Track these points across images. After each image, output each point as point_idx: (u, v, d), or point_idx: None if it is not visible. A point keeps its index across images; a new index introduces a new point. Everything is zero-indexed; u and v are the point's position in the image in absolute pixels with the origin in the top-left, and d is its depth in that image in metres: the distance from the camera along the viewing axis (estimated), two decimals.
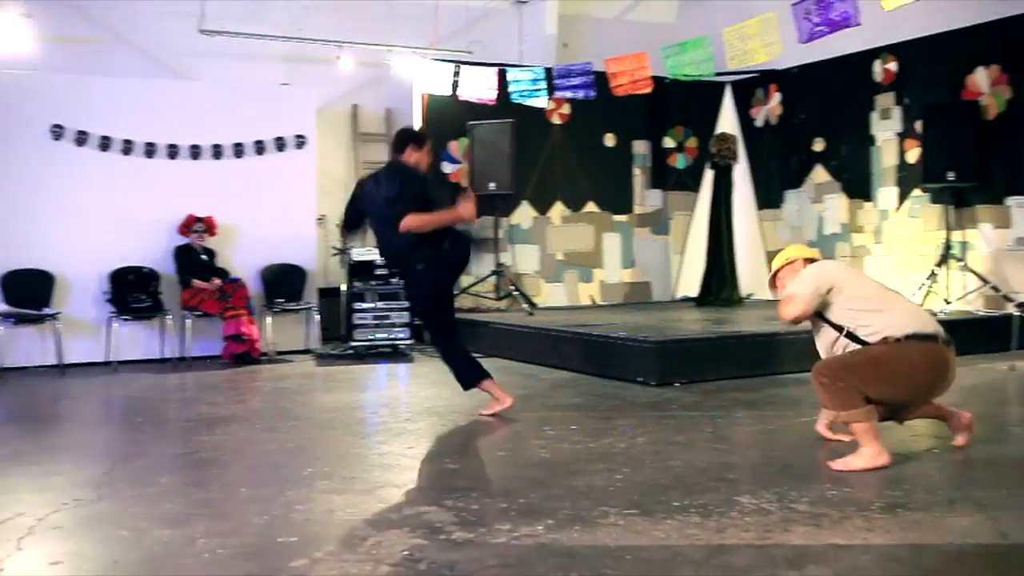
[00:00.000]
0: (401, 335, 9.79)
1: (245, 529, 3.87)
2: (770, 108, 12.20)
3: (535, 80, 10.60)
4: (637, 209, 12.45)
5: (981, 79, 9.71)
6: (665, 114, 12.43)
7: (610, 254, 12.27)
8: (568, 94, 10.61)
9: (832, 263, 5.63)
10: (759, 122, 12.37)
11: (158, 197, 9.59)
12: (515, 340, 9.27)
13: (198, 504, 4.28)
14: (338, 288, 10.56)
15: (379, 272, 9.86)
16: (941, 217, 9.73)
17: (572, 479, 4.59)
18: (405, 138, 6.33)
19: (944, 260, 9.56)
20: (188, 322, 9.38)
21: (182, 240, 9.52)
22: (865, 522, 3.82)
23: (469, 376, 6.29)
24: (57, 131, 9.33)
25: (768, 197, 12.28)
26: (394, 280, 9.69)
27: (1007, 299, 9.27)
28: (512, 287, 10.77)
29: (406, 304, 9.63)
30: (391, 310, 9.83)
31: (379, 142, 11.88)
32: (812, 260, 5.23)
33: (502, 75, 10.66)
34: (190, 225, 9.52)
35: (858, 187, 11.08)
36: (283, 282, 10.10)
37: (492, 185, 10.74)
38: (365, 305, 9.84)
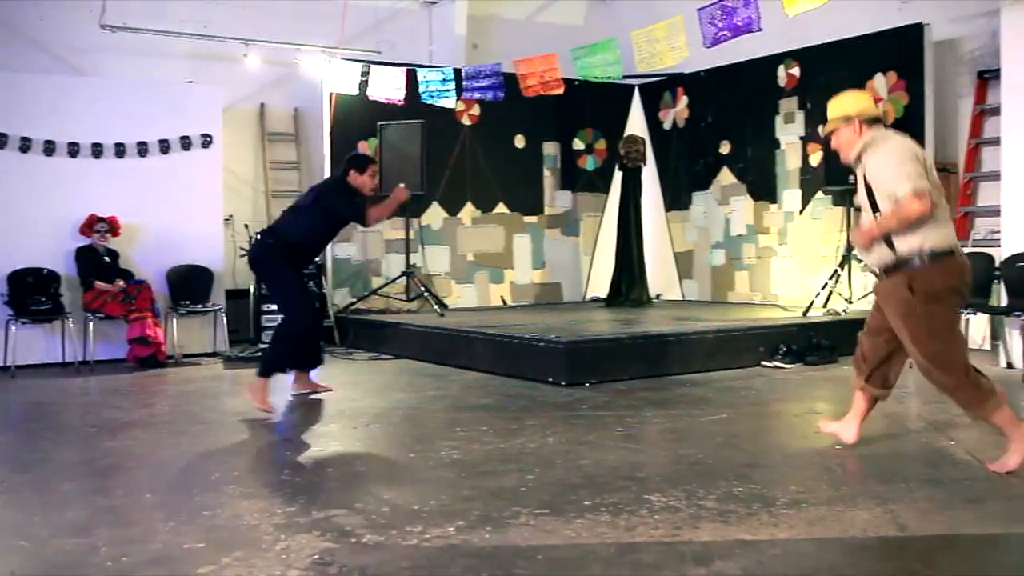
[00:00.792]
0: None
1: (150, 536, 3.80)
2: (678, 111, 12.37)
3: (444, 80, 10.58)
4: (547, 210, 12.51)
5: (880, 85, 9.98)
6: (575, 116, 12.52)
7: (520, 255, 12.31)
8: (477, 95, 10.61)
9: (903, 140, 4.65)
10: (667, 125, 12.53)
11: (58, 196, 9.36)
12: (425, 341, 9.25)
13: (102, 511, 4.18)
14: (247, 289, 10.42)
15: None
16: (843, 219, 9.97)
17: (483, 480, 4.60)
18: (348, 163, 7.14)
19: (846, 261, 9.79)
20: (91, 325, 9.16)
21: (84, 241, 9.29)
22: (771, 517, 3.89)
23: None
24: None
25: (676, 199, 12.45)
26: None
27: None
28: (422, 288, 10.74)
29: (315, 306, 9.59)
30: None
31: (287, 142, 11.76)
32: (875, 120, 4.67)
33: (411, 75, 10.62)
34: (92, 225, 9.29)
35: (763, 189, 11.30)
36: (189, 283, 9.93)
37: (402, 186, 10.65)
38: (273, 307, 9.70)
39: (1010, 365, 8.15)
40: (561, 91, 10.13)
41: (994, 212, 8.99)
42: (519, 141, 12.25)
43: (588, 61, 9.51)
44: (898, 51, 9.77)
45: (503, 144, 12.11)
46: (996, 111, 9.08)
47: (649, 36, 8.97)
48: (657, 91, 12.60)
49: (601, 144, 12.75)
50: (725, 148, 11.76)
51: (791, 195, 10.98)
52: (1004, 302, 8.17)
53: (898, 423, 5.95)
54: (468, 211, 11.94)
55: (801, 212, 10.86)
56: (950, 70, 9.92)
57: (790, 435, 5.63)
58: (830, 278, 9.80)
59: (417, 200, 11.09)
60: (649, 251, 11.66)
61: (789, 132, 10.99)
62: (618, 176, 11.66)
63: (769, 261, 11.24)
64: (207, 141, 10.11)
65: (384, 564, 3.43)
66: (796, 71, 10.86)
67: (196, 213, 10.02)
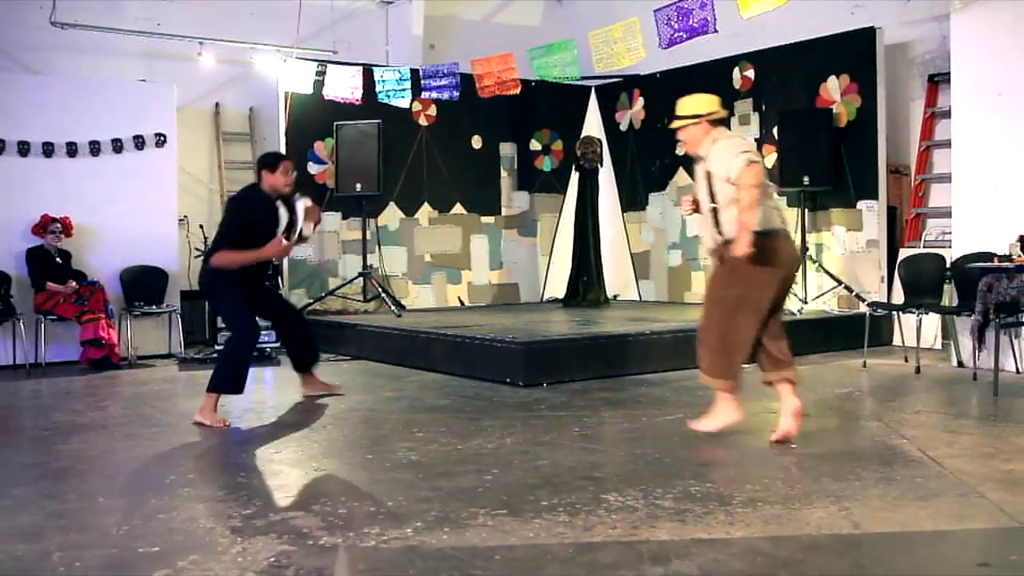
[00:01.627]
0: (267, 339, 9.61)
1: (104, 540, 3.75)
2: (634, 112, 12.43)
3: (401, 80, 10.56)
4: (504, 211, 12.51)
5: (833, 88, 10.09)
6: (531, 117, 12.53)
7: (478, 256, 12.30)
8: (434, 95, 10.60)
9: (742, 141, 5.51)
10: (623, 126, 12.58)
11: (7, 197, 9.22)
12: (383, 342, 9.22)
13: (54, 516, 4.13)
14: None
15: None
16: (797, 220, 10.06)
17: (440, 481, 4.60)
18: (258, 165, 6.56)
19: (800, 261, 9.88)
20: (43, 326, 9.03)
21: (35, 241, 9.15)
22: (727, 516, 3.92)
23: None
24: None
25: (633, 199, 12.50)
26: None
27: (859, 299, 9.65)
28: (380, 289, 10.70)
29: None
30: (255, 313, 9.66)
31: (243, 141, 11.68)
32: (719, 121, 5.33)
33: (368, 75, 10.59)
34: (46, 226, 9.15)
35: None
36: (143, 284, 9.81)
37: (359, 186, 10.66)
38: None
39: (960, 364, 8.27)
40: (518, 91, 10.15)
41: (945, 214, 9.13)
42: (476, 142, 12.24)
43: (545, 61, 9.55)
44: (851, 54, 9.89)
45: (460, 144, 12.09)
46: (947, 114, 9.22)
47: (606, 37, 9.02)
48: (614, 92, 12.65)
49: (558, 145, 12.77)
50: (681, 149, 11.73)
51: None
52: (955, 302, 8.29)
53: (852, 422, 6.02)
54: (425, 211, 11.91)
55: None
56: (902, 73, 10.06)
57: (746, 434, 5.67)
58: None
59: (373, 201, 11.08)
60: (606, 252, 11.71)
61: (744, 134, 11.04)
62: (575, 177, 11.70)
63: None
64: (161, 140, 10.00)
65: (342, 566, 3.42)
66: (751, 73, 10.95)
67: (150, 213, 9.90)
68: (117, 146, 9.79)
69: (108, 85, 10.12)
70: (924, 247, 9.48)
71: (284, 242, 6.49)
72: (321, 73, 10.49)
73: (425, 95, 10.65)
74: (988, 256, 7.47)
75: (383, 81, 10.59)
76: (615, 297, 12.01)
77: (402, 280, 11.68)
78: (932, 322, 9.00)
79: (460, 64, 10.39)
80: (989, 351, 7.13)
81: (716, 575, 3.30)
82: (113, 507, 4.26)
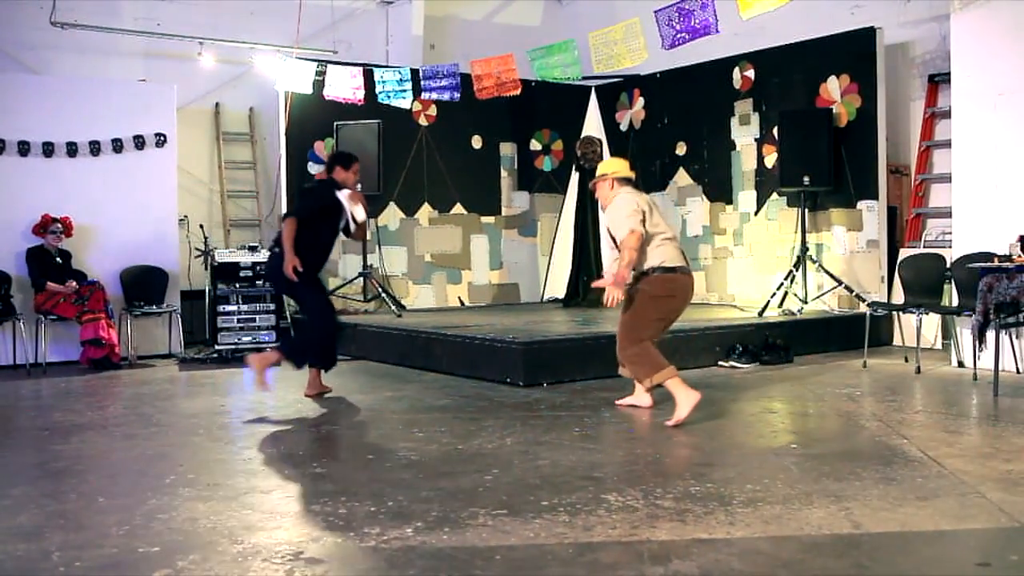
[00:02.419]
0: (267, 338, 9.64)
1: (104, 540, 3.75)
2: (634, 113, 12.43)
3: (401, 81, 10.56)
4: (505, 211, 12.50)
5: (833, 88, 10.09)
6: (532, 117, 12.53)
7: (478, 256, 12.30)
8: (434, 95, 10.59)
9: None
10: (624, 126, 12.58)
11: (8, 197, 9.23)
12: (383, 342, 9.22)
13: (53, 516, 4.13)
14: (202, 291, 10.32)
15: (244, 274, 9.74)
16: (797, 220, 10.06)
17: (441, 481, 4.60)
18: (333, 160, 7.37)
19: (801, 261, 9.89)
20: (43, 326, 9.03)
21: (35, 241, 9.15)
22: (727, 516, 3.92)
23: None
24: None
25: None
26: (259, 283, 9.63)
27: (859, 299, 9.65)
28: (380, 289, 10.70)
29: (271, 307, 9.83)
30: (256, 313, 9.71)
31: (243, 141, 11.67)
32: (626, 180, 6.44)
33: (368, 75, 10.59)
34: (47, 226, 9.15)
35: (719, 190, 11.38)
36: (144, 284, 9.81)
37: (359, 186, 10.62)
38: (230, 308, 9.68)
39: (961, 364, 8.26)
40: (518, 92, 10.14)
41: (945, 214, 9.13)
42: (476, 142, 12.24)
43: (546, 62, 9.54)
44: (851, 54, 9.88)
45: (460, 144, 12.09)
46: (947, 114, 9.22)
47: (606, 38, 9.02)
48: (614, 93, 12.65)
49: (558, 145, 12.77)
50: (681, 149, 11.83)
51: (746, 196, 11.07)
52: (955, 302, 8.29)
53: (852, 422, 6.02)
54: (425, 211, 11.91)
55: (756, 213, 10.95)
56: (902, 73, 10.06)
57: (746, 434, 5.67)
58: (785, 278, 9.90)
59: (374, 200, 11.07)
60: (606, 252, 11.69)
61: (744, 134, 11.07)
62: (575, 177, 11.69)
63: (725, 262, 11.32)
64: (161, 140, 10.00)
65: (342, 566, 3.42)
66: (751, 73, 10.94)
67: (150, 213, 9.91)
68: (117, 146, 9.80)
69: (108, 85, 10.13)
70: (924, 247, 9.48)
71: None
72: (321, 73, 10.48)
73: (425, 95, 10.65)
74: (988, 256, 7.45)
75: (383, 81, 10.58)
76: None
77: (402, 280, 11.68)
78: (932, 322, 9.00)
79: (460, 64, 10.38)
80: (989, 351, 7.13)
81: (716, 575, 3.30)
82: (113, 507, 4.26)
